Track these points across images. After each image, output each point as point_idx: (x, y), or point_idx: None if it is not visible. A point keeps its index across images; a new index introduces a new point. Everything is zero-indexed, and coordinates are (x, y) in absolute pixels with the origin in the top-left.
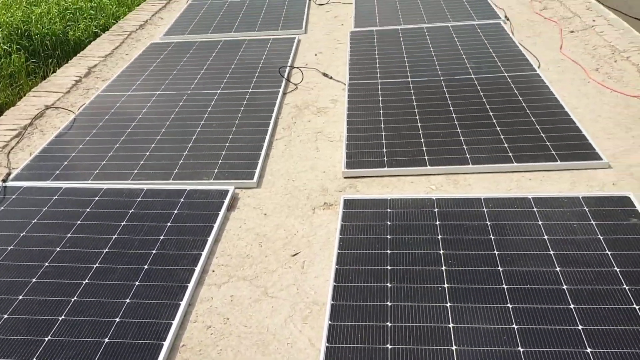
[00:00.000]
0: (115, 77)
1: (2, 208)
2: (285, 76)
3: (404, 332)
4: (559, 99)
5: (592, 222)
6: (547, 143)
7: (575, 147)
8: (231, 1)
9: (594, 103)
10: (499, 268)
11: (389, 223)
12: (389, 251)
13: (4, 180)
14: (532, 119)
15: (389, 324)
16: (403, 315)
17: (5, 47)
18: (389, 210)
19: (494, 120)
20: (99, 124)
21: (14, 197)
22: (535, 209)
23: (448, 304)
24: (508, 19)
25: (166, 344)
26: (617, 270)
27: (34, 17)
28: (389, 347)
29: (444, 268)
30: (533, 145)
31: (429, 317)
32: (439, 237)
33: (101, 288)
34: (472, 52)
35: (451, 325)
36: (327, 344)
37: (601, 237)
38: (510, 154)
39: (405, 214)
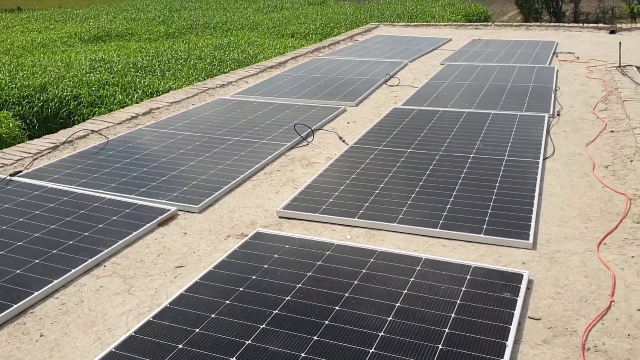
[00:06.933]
0: (165, 119)
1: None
2: (304, 135)
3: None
4: (537, 184)
5: (462, 288)
6: (487, 218)
7: (510, 226)
8: (314, 76)
9: (574, 194)
10: (337, 307)
11: (275, 256)
12: (254, 277)
13: (11, 175)
14: (493, 196)
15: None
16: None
17: None
18: (286, 246)
19: (454, 192)
20: (123, 149)
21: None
22: (417, 268)
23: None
24: (559, 114)
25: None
26: (446, 331)
27: None
28: None
29: (287, 298)
30: (472, 217)
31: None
32: (308, 274)
33: None
34: (489, 137)
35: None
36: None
37: (458, 302)
38: (441, 221)
39: (295, 251)
